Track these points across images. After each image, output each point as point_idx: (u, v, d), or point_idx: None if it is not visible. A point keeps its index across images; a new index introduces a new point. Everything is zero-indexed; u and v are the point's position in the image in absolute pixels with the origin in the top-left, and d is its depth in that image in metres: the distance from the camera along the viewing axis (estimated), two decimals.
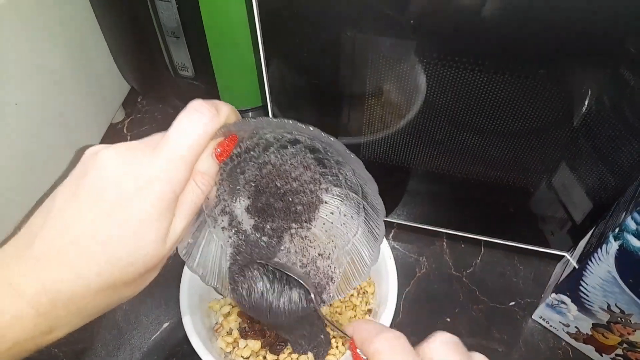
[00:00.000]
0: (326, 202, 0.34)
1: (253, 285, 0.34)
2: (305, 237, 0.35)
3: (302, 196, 0.33)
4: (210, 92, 0.55)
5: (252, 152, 0.31)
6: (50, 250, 0.22)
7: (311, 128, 0.26)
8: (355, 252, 0.34)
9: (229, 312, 0.40)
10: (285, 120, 0.26)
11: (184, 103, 0.59)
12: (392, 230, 0.52)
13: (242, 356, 0.38)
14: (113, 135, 0.60)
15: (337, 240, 0.35)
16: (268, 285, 0.34)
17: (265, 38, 0.38)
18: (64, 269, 0.22)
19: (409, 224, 0.51)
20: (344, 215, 0.33)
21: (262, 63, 0.39)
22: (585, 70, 0.34)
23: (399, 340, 0.22)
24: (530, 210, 0.47)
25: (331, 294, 0.35)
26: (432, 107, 0.39)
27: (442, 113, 0.39)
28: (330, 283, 0.35)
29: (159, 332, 0.45)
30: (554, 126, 0.38)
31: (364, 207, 0.32)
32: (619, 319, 0.38)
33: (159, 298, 0.47)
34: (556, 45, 0.32)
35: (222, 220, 0.34)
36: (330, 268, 0.35)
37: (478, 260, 0.50)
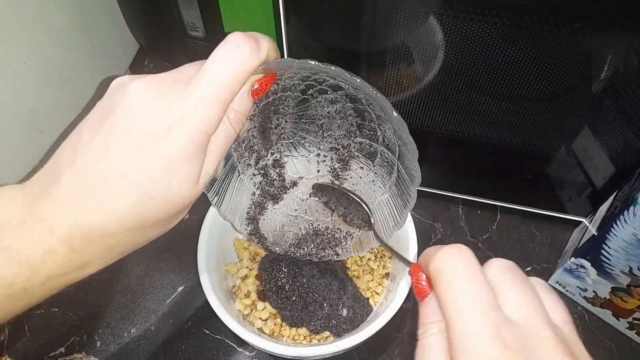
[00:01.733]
0: (358, 156, 0.33)
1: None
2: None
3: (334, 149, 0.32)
4: None
5: (289, 92, 0.29)
6: (79, 187, 0.22)
7: (357, 79, 0.24)
8: (381, 213, 0.33)
9: (246, 275, 0.40)
10: (331, 67, 0.25)
11: None
12: None
13: (260, 318, 0.38)
14: None
15: (362, 196, 0.34)
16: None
17: None
18: (96, 206, 0.22)
19: (424, 189, 0.50)
20: (375, 173, 0.33)
21: (282, 20, 0.38)
22: (614, 26, 0.33)
23: (463, 254, 0.19)
24: (548, 175, 0.46)
25: (347, 249, 0.35)
26: (451, 68, 0.37)
27: (461, 74, 0.38)
28: (348, 238, 0.35)
29: (173, 296, 0.45)
30: (578, 88, 0.37)
31: (397, 169, 0.31)
32: (639, 282, 0.38)
33: (173, 263, 0.47)
34: None
35: (249, 157, 0.33)
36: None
37: (494, 226, 0.50)
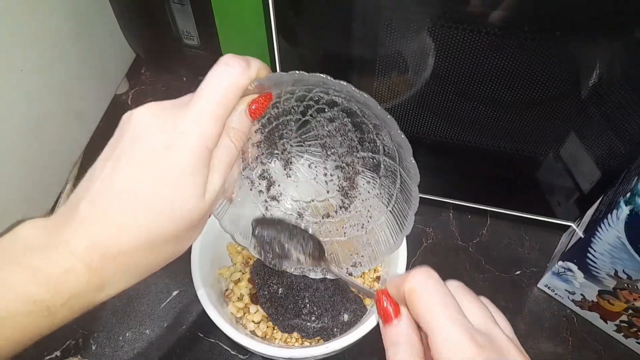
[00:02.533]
0: (363, 171, 0.34)
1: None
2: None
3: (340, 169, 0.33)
4: (216, 61, 0.54)
5: (290, 116, 0.31)
6: (95, 210, 0.23)
7: (344, 83, 0.26)
8: (391, 222, 0.34)
9: (239, 278, 0.40)
10: (321, 75, 0.26)
11: (190, 72, 0.59)
12: None
13: (253, 321, 0.38)
14: (117, 106, 0.59)
15: (373, 211, 0.35)
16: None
17: (276, 2, 0.37)
18: (109, 224, 0.23)
19: None
20: (381, 185, 0.33)
21: (273, 28, 0.39)
22: (598, 35, 0.34)
23: (431, 274, 0.22)
24: (537, 180, 0.47)
25: (364, 264, 0.36)
26: (441, 76, 0.38)
27: (449, 81, 0.39)
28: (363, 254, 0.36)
29: (168, 300, 0.46)
30: (564, 95, 0.38)
31: (400, 175, 0.32)
32: (625, 285, 0.38)
33: (167, 268, 0.48)
34: (570, 7, 0.32)
35: (260, 184, 0.34)
36: (363, 239, 0.35)
37: (484, 231, 0.51)
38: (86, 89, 0.51)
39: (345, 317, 0.38)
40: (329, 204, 0.36)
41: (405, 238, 0.39)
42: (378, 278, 0.42)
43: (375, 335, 0.40)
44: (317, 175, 0.35)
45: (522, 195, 0.49)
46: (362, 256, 0.36)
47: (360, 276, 0.41)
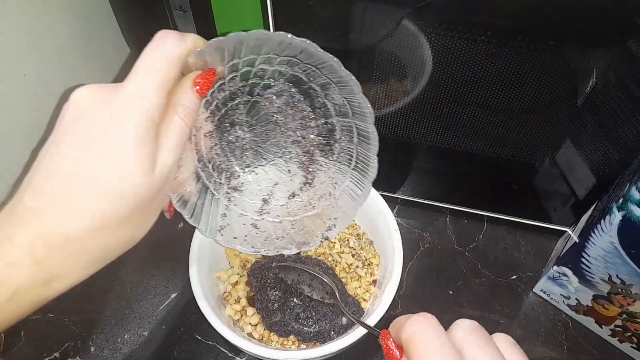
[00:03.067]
0: (319, 143, 0.33)
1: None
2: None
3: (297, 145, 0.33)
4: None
5: (238, 99, 0.30)
6: (40, 197, 0.22)
7: (281, 32, 0.26)
8: (356, 177, 0.34)
9: (236, 281, 0.41)
10: (259, 31, 0.26)
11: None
12: (396, 206, 0.53)
13: (250, 323, 0.39)
14: None
15: (337, 176, 0.34)
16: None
17: (275, 10, 0.38)
18: (55, 211, 0.22)
19: (413, 199, 0.52)
20: (340, 150, 0.33)
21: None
22: (592, 44, 0.34)
23: (430, 321, 0.21)
24: (533, 186, 0.47)
25: (338, 225, 0.35)
26: (437, 82, 0.39)
27: (446, 88, 0.39)
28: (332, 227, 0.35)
29: (166, 303, 0.46)
30: (559, 102, 0.39)
31: (356, 127, 0.31)
32: (619, 289, 0.39)
33: (166, 271, 0.48)
34: (565, 17, 0.32)
35: (218, 176, 0.34)
36: (333, 205, 0.35)
37: (481, 236, 0.51)
38: None
39: (344, 320, 0.39)
40: (293, 183, 0.36)
41: (400, 241, 0.40)
42: (374, 282, 0.42)
43: (371, 336, 0.40)
44: (276, 157, 0.35)
45: (519, 200, 0.50)
46: (335, 218, 0.35)
47: (357, 279, 0.42)
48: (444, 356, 0.20)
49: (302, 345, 0.39)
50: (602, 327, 0.43)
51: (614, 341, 0.43)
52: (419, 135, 0.45)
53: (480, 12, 0.33)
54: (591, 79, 0.37)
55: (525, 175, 0.46)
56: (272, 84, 0.30)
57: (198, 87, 0.26)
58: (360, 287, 0.41)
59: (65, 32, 0.47)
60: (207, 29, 0.51)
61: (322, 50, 0.27)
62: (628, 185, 0.34)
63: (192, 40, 0.26)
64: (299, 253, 0.43)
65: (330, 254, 0.42)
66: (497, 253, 0.50)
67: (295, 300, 0.39)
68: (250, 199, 0.36)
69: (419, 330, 0.21)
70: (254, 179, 0.36)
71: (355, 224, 0.45)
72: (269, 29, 0.39)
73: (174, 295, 0.47)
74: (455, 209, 0.51)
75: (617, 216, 0.34)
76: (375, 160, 0.32)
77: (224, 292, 0.41)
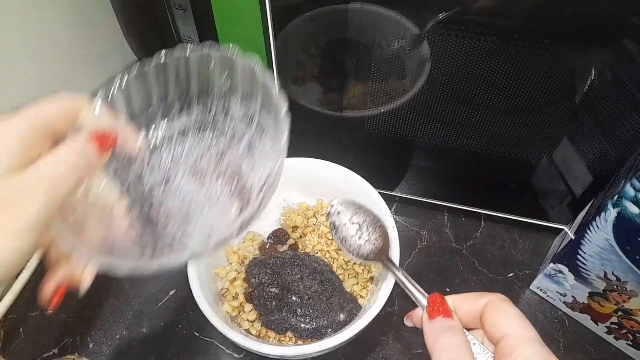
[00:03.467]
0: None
1: None
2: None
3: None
4: None
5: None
6: None
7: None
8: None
9: (234, 277, 0.41)
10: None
11: None
12: (394, 204, 0.53)
13: (247, 320, 0.39)
14: None
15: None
16: None
17: (274, 9, 0.38)
18: None
19: (410, 197, 0.52)
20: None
21: (270, 34, 0.40)
22: (589, 43, 0.35)
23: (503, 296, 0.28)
24: (531, 184, 0.47)
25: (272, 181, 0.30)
26: (436, 80, 0.39)
27: (445, 86, 0.40)
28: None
29: (165, 300, 0.46)
30: (556, 101, 0.39)
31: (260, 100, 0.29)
32: (615, 286, 0.39)
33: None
34: (562, 15, 0.33)
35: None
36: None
37: (478, 234, 0.51)
38: (88, 93, 0.52)
39: (342, 316, 0.39)
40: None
41: (398, 239, 0.40)
42: (372, 278, 0.42)
43: (367, 333, 0.40)
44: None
45: (516, 198, 0.50)
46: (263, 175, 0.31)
47: (354, 276, 0.42)
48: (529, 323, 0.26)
49: (299, 342, 0.39)
50: (597, 325, 0.43)
51: (610, 338, 0.43)
52: (417, 133, 0.45)
53: (477, 11, 0.34)
54: (589, 77, 0.37)
55: (523, 173, 0.47)
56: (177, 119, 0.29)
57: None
58: (357, 283, 0.42)
59: (65, 31, 0.47)
60: (206, 27, 0.51)
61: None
62: (623, 182, 0.34)
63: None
64: (296, 251, 0.43)
65: (327, 251, 0.43)
66: (495, 251, 0.50)
67: (293, 297, 0.39)
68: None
69: (505, 299, 0.27)
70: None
71: None
72: (267, 26, 0.39)
73: (172, 292, 0.47)
74: (453, 207, 0.51)
75: (612, 213, 0.34)
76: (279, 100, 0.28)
77: (222, 289, 0.41)
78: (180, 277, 0.48)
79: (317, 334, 0.39)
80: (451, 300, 0.29)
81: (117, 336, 0.44)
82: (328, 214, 0.37)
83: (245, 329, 0.39)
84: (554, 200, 0.48)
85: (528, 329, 0.26)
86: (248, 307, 0.40)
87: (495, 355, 0.26)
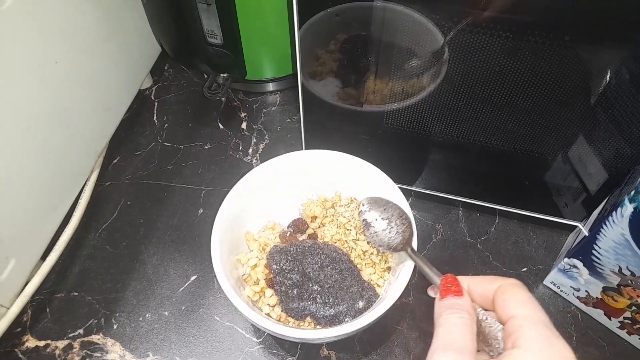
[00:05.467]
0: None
1: None
2: None
3: None
4: (237, 60, 0.57)
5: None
6: None
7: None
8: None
9: (256, 263, 0.42)
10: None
11: (213, 70, 0.61)
12: (410, 198, 0.54)
13: (268, 304, 0.40)
14: (142, 101, 0.62)
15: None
16: None
17: (300, 3, 0.39)
18: None
19: (426, 191, 0.53)
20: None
21: (295, 31, 0.41)
22: (606, 40, 0.35)
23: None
24: (546, 181, 0.48)
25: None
26: (453, 77, 0.40)
27: (461, 83, 0.40)
28: None
29: (186, 285, 0.48)
30: (573, 99, 0.40)
31: None
32: (629, 281, 0.39)
33: (187, 254, 0.50)
34: (578, 13, 0.33)
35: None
36: None
37: (492, 229, 0.52)
38: (113, 83, 0.54)
39: (360, 304, 0.40)
40: None
41: (416, 230, 0.41)
42: (389, 268, 0.43)
43: (385, 325, 0.41)
44: None
45: (531, 195, 0.51)
46: None
47: (372, 266, 0.43)
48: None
49: (318, 327, 0.40)
50: (610, 320, 0.44)
51: (623, 333, 0.44)
52: (434, 129, 0.46)
53: (495, 7, 0.34)
54: (606, 75, 0.37)
55: (538, 170, 0.47)
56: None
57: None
58: (374, 273, 0.43)
59: (94, 22, 0.49)
60: (229, 21, 0.53)
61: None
62: None
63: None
64: (315, 240, 0.44)
65: (345, 240, 0.44)
66: (508, 246, 0.51)
67: (314, 286, 0.40)
68: None
69: (519, 283, 0.29)
70: None
71: None
72: (292, 21, 0.40)
73: (193, 277, 0.48)
74: (467, 202, 0.52)
75: (628, 208, 0.35)
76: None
77: (243, 274, 0.42)
78: (201, 263, 0.49)
79: (335, 321, 0.40)
80: (466, 281, 0.30)
81: (141, 318, 0.46)
82: (360, 212, 0.39)
83: (266, 314, 0.40)
84: (568, 197, 0.49)
85: (536, 312, 0.26)
86: (269, 292, 0.41)
87: (504, 335, 0.27)
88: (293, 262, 0.41)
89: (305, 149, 0.52)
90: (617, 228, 0.37)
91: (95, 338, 0.45)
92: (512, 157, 0.46)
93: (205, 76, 0.64)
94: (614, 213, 0.37)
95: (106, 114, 0.53)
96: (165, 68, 0.66)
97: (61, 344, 0.44)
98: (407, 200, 0.53)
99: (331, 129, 0.50)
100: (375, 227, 0.37)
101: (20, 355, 0.44)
